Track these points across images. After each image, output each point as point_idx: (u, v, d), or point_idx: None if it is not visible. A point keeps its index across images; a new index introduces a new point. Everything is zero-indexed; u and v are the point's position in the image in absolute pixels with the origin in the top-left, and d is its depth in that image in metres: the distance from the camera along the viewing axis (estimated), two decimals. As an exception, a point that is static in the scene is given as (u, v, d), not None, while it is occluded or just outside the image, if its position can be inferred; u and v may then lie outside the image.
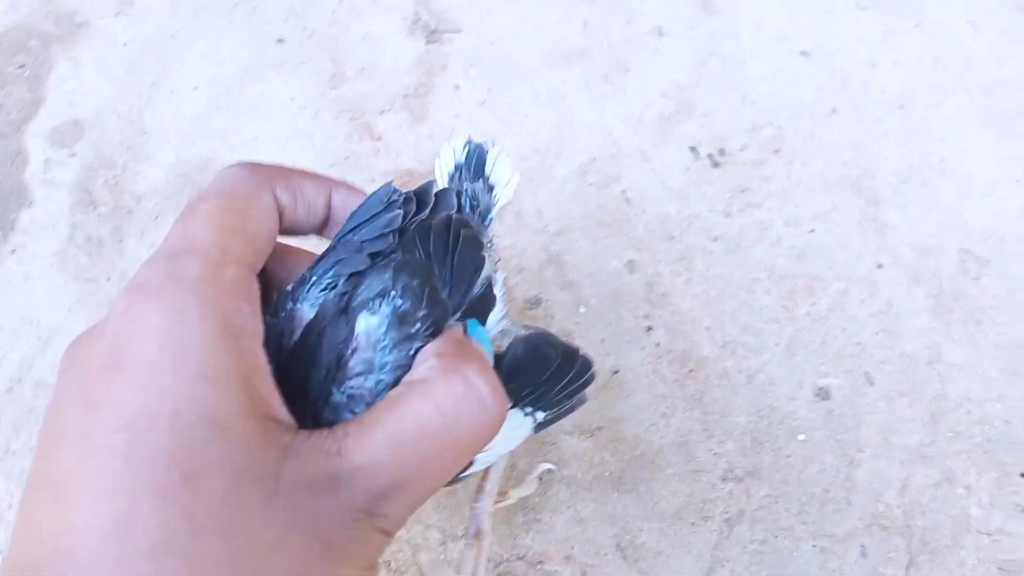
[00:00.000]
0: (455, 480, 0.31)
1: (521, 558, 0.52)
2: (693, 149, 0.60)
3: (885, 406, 0.55)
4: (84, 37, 0.61)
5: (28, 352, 0.53)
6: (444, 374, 0.27)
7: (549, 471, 0.50)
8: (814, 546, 0.53)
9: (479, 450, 0.27)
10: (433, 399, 0.26)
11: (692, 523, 0.53)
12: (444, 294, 0.31)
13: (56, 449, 0.22)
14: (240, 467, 0.22)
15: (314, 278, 0.31)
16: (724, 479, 0.54)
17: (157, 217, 0.56)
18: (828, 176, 0.61)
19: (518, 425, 0.34)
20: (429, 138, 0.59)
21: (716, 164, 0.60)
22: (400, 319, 0.30)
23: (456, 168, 0.41)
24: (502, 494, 0.47)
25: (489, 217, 0.40)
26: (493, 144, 0.43)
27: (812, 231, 0.59)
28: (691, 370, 0.55)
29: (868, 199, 0.60)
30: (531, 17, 0.63)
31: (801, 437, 0.54)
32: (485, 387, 0.27)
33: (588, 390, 0.38)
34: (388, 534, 0.25)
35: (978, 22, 0.67)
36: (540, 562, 0.52)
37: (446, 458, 0.26)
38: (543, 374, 0.35)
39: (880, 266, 0.58)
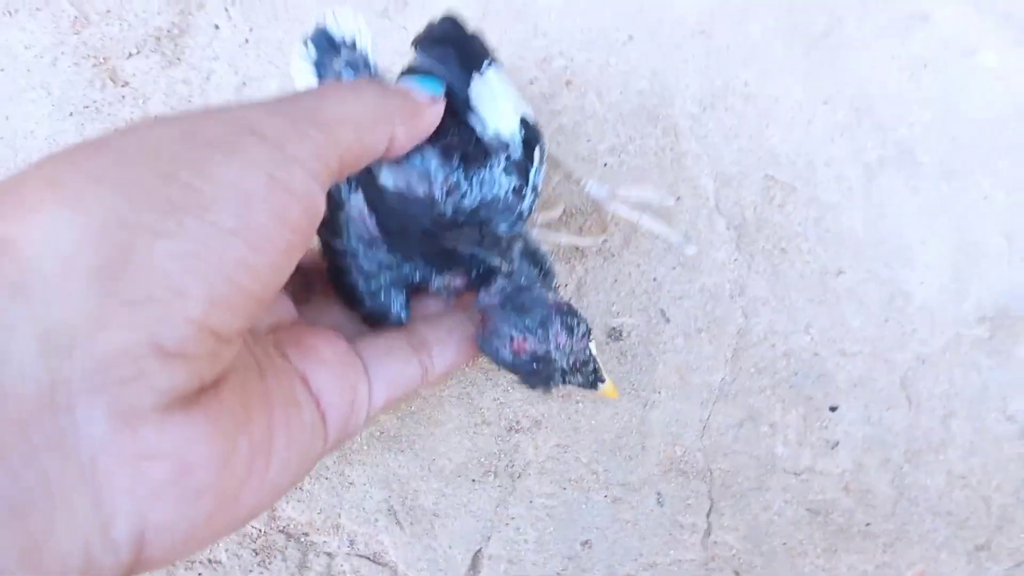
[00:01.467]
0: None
1: (282, 531, 0.47)
2: (478, 84, 0.56)
3: (683, 344, 0.52)
4: None
5: None
6: None
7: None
8: (606, 496, 0.49)
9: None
10: None
11: (473, 480, 0.48)
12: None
13: None
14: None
15: None
16: (510, 430, 0.49)
17: None
18: (623, 107, 0.57)
19: (499, 80, 0.40)
20: (183, 82, 0.54)
21: (504, 99, 0.56)
22: None
23: (315, 62, 0.42)
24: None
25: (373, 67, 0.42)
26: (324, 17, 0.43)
27: (606, 165, 0.55)
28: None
29: (665, 128, 0.56)
30: (300, -50, 0.58)
31: (592, 382, 0.50)
32: None
33: None
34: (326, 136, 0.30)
35: (786, -59, 0.64)
36: (305, 534, 0.47)
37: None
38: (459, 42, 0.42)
39: (678, 198, 0.55)
